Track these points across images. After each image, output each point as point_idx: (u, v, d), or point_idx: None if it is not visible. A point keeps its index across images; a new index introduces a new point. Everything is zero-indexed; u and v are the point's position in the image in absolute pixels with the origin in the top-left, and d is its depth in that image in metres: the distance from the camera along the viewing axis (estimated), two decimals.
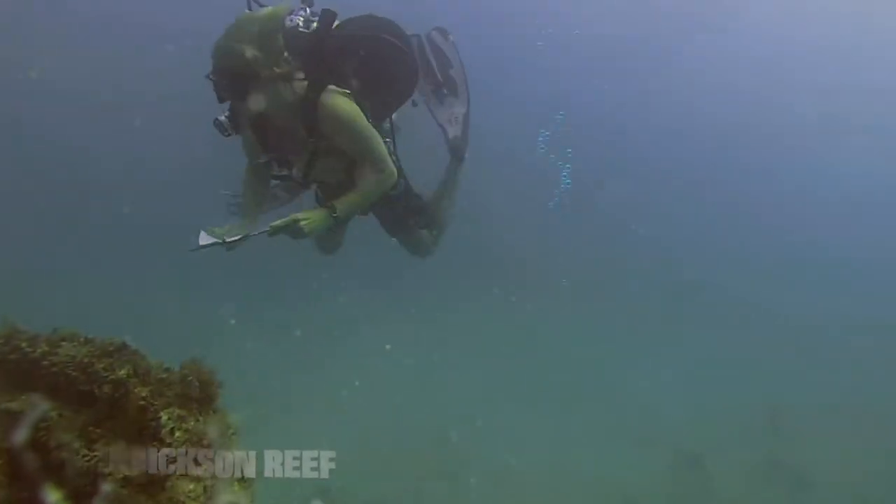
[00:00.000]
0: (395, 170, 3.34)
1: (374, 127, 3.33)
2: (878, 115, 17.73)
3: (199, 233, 3.06)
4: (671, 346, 10.12)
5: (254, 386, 6.55)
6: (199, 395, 1.80)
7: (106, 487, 1.62)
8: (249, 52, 2.97)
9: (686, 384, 8.85)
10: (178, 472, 1.70)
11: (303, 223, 3.17)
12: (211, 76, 3.04)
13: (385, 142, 3.44)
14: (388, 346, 8.48)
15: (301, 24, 3.14)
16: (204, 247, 2.97)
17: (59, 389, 1.80)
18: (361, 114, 3.20)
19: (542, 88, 14.07)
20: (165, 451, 1.72)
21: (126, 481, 1.67)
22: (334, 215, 3.23)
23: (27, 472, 1.55)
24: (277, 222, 3.13)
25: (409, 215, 3.77)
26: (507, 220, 12.95)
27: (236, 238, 3.02)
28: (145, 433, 1.74)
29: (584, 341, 9.96)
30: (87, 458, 1.67)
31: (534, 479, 6.62)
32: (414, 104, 3.73)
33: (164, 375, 1.83)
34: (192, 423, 1.78)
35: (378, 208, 3.69)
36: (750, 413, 8.21)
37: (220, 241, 2.98)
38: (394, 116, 3.63)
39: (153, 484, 1.69)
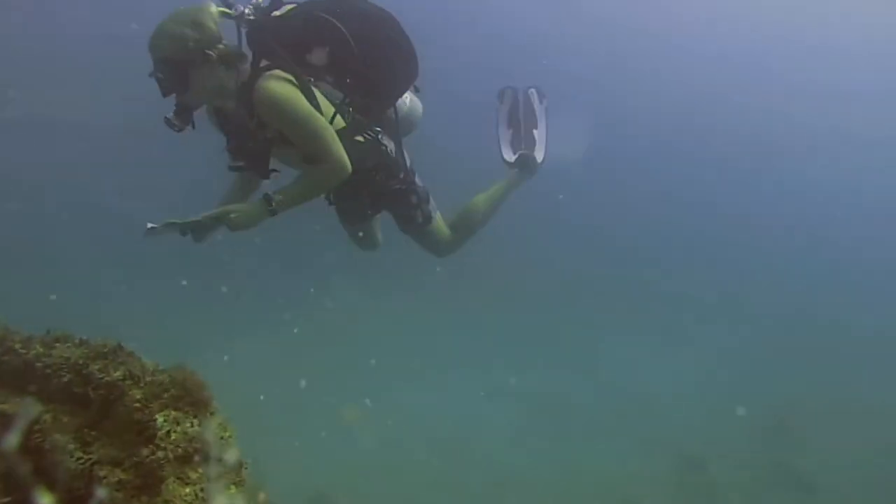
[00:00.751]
0: (345, 161, 3.10)
1: (357, 119, 3.26)
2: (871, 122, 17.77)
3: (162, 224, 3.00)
4: (675, 347, 10.12)
5: (249, 387, 6.55)
6: (194, 397, 1.80)
7: (100, 492, 1.62)
8: (180, 39, 2.95)
9: (690, 385, 8.85)
10: (173, 476, 1.71)
11: (232, 216, 3.03)
12: (151, 73, 3.03)
13: (371, 133, 3.33)
14: (387, 348, 8.50)
15: (250, 10, 3.10)
16: (152, 232, 2.91)
17: (54, 391, 1.80)
18: (300, 98, 3.04)
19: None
20: (161, 453, 1.72)
21: (121, 485, 1.67)
22: (269, 208, 3.06)
23: (19, 475, 1.56)
24: (210, 212, 3.03)
25: (402, 207, 3.65)
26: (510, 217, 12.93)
27: (157, 225, 2.88)
28: (140, 436, 1.74)
29: (587, 342, 9.96)
30: (81, 461, 1.68)
31: (534, 481, 6.63)
32: (416, 90, 3.59)
33: (160, 377, 1.84)
34: (188, 426, 1.78)
35: (366, 200, 3.57)
36: (755, 415, 8.21)
37: (151, 226, 2.89)
38: (408, 109, 3.54)
39: (148, 487, 1.69)
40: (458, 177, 4.27)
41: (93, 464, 1.68)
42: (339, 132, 3.16)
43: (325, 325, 9.07)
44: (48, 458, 1.65)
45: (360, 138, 3.33)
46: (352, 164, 3.16)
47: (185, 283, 6.92)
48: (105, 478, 1.68)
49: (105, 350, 1.84)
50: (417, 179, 3.64)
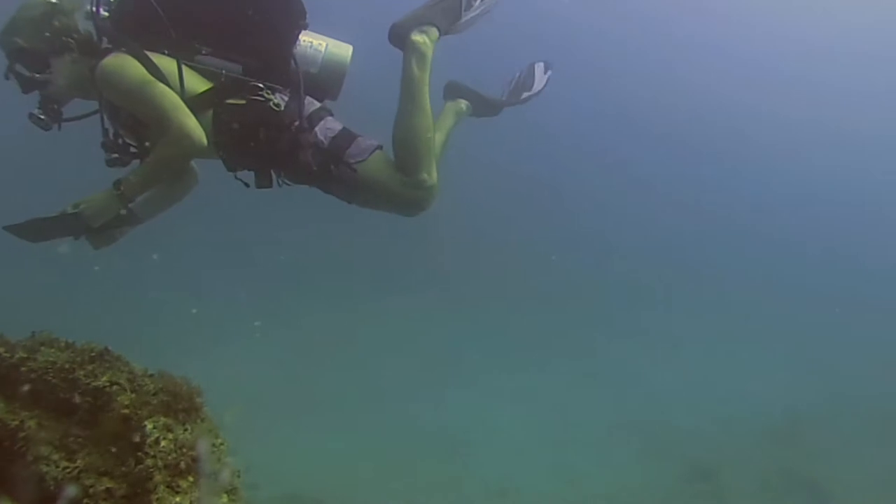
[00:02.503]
0: (187, 130, 2.85)
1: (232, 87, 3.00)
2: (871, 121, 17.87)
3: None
4: (682, 351, 10.12)
5: (242, 391, 6.55)
6: (185, 404, 1.79)
7: (70, 489, 1.61)
8: (36, 28, 2.91)
9: (700, 392, 8.85)
10: (163, 485, 1.70)
11: (83, 206, 2.88)
12: (7, 73, 2.95)
13: (256, 93, 3.02)
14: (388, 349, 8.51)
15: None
16: (14, 230, 2.90)
17: (39, 396, 1.79)
18: (132, 67, 2.90)
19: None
20: (150, 462, 1.71)
21: (108, 494, 1.66)
22: (118, 193, 2.91)
23: None
24: (66, 207, 2.91)
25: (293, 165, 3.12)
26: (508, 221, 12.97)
27: (21, 222, 2.82)
28: (129, 443, 1.73)
29: (591, 345, 9.97)
30: (67, 470, 1.67)
31: (539, 489, 6.62)
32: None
33: (148, 382, 1.83)
34: (178, 433, 1.77)
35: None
36: (766, 422, 8.21)
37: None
38: (325, 56, 3.13)
39: (137, 497, 1.68)
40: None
41: (79, 472, 1.67)
42: (202, 96, 3.00)
43: (319, 327, 9.07)
44: (32, 469, 1.64)
45: (238, 100, 3.04)
46: (229, 130, 2.99)
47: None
48: (92, 487, 1.66)
49: (92, 354, 1.82)
50: (322, 131, 3.12)
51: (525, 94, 3.87)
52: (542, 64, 3.98)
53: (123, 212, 3.02)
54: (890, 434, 7.91)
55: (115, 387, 1.77)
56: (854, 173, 17.71)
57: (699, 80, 17.40)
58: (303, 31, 3.14)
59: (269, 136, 3.05)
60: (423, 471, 6.63)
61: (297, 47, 3.13)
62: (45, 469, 1.65)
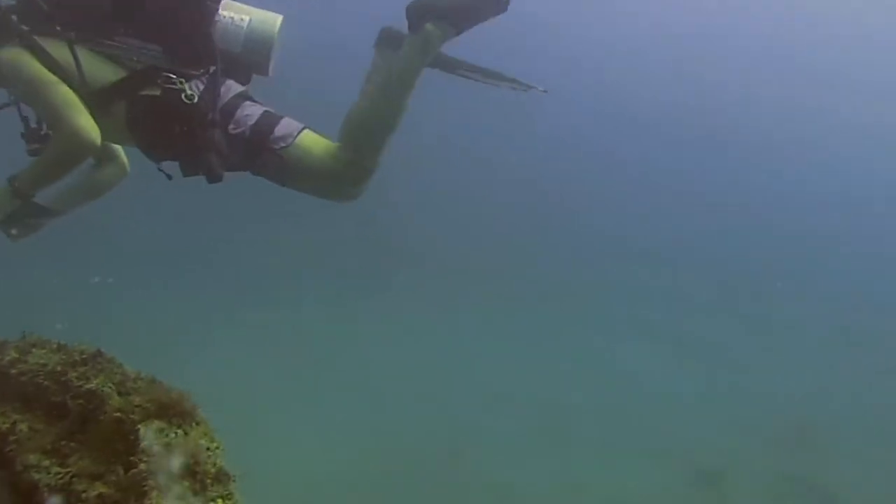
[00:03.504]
0: (78, 129, 2.76)
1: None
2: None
3: None
4: (687, 353, 10.12)
5: (236, 394, 6.55)
6: (179, 407, 1.79)
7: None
8: None
9: (705, 394, 8.85)
10: (157, 490, 1.69)
11: None
12: None
13: (172, 81, 2.86)
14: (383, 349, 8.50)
15: None
16: None
17: (30, 399, 1.79)
18: (24, 61, 2.82)
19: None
20: (143, 466, 1.71)
21: (101, 499, 1.66)
22: (12, 189, 2.85)
23: None
24: None
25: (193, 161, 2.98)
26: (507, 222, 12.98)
27: None
28: (121, 447, 1.73)
29: (593, 347, 9.96)
30: (59, 476, 1.66)
31: (540, 494, 6.62)
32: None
33: (142, 385, 1.83)
34: (172, 437, 1.77)
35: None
36: (774, 426, 8.21)
37: None
38: (246, 32, 2.93)
39: (130, 502, 1.68)
40: None
41: (71, 477, 1.67)
42: (112, 88, 2.87)
43: (314, 328, 9.07)
44: (24, 475, 1.64)
45: (153, 91, 2.89)
46: (142, 124, 2.88)
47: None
48: (84, 492, 1.66)
49: (84, 356, 1.82)
50: (240, 120, 2.96)
51: None
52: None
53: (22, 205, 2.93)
54: None
55: (107, 390, 1.77)
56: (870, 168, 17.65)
57: (705, 72, 17.40)
58: (222, 4, 2.92)
59: (183, 131, 2.89)
60: (424, 473, 6.63)
61: (217, 24, 2.91)
62: (36, 475, 1.65)
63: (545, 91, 3.24)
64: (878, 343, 10.65)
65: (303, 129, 2.98)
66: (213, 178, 2.97)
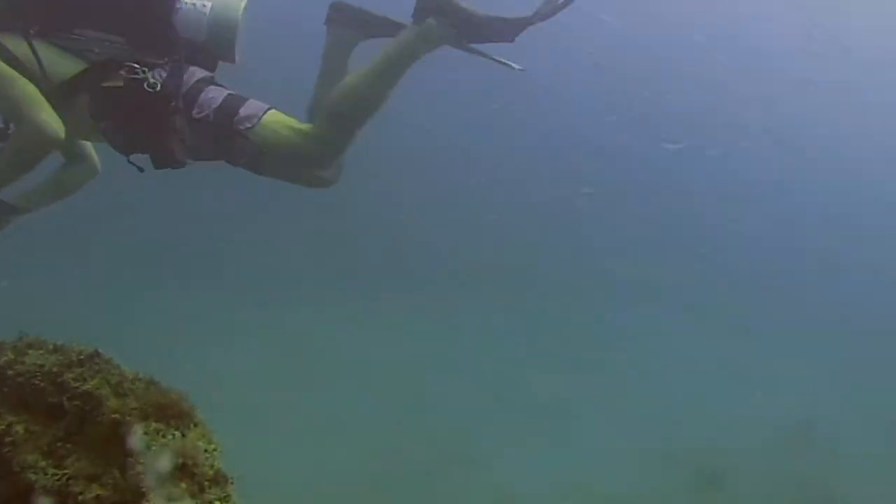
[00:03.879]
0: (39, 125, 2.75)
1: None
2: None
3: None
4: (692, 353, 10.12)
5: (234, 395, 6.56)
6: (177, 408, 1.79)
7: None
8: None
9: (708, 394, 8.85)
10: (155, 492, 1.69)
11: None
12: None
13: (134, 71, 2.85)
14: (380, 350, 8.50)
15: None
16: None
17: (27, 401, 1.79)
18: None
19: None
20: (141, 467, 1.71)
21: (98, 501, 1.66)
22: None
23: None
24: None
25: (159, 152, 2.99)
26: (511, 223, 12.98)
27: None
28: (119, 449, 1.73)
29: (595, 346, 9.96)
30: (56, 477, 1.66)
31: (540, 494, 6.62)
32: None
33: (140, 386, 1.82)
34: (170, 438, 1.77)
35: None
36: (778, 427, 8.20)
37: None
38: (209, 19, 2.91)
39: None
40: None
41: (68, 479, 1.67)
42: (74, 81, 2.86)
43: (314, 328, 9.07)
44: (20, 477, 1.63)
45: (115, 82, 2.87)
46: (106, 116, 2.88)
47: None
48: (81, 494, 1.66)
49: (81, 357, 1.82)
50: (203, 104, 2.95)
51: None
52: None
53: None
54: None
55: (104, 391, 1.77)
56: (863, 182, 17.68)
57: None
58: None
59: (148, 121, 2.88)
60: (424, 473, 6.63)
61: (178, 12, 2.89)
62: (32, 477, 1.64)
63: (522, 70, 3.18)
64: (878, 343, 10.65)
65: (268, 109, 2.97)
66: (175, 163, 2.95)
